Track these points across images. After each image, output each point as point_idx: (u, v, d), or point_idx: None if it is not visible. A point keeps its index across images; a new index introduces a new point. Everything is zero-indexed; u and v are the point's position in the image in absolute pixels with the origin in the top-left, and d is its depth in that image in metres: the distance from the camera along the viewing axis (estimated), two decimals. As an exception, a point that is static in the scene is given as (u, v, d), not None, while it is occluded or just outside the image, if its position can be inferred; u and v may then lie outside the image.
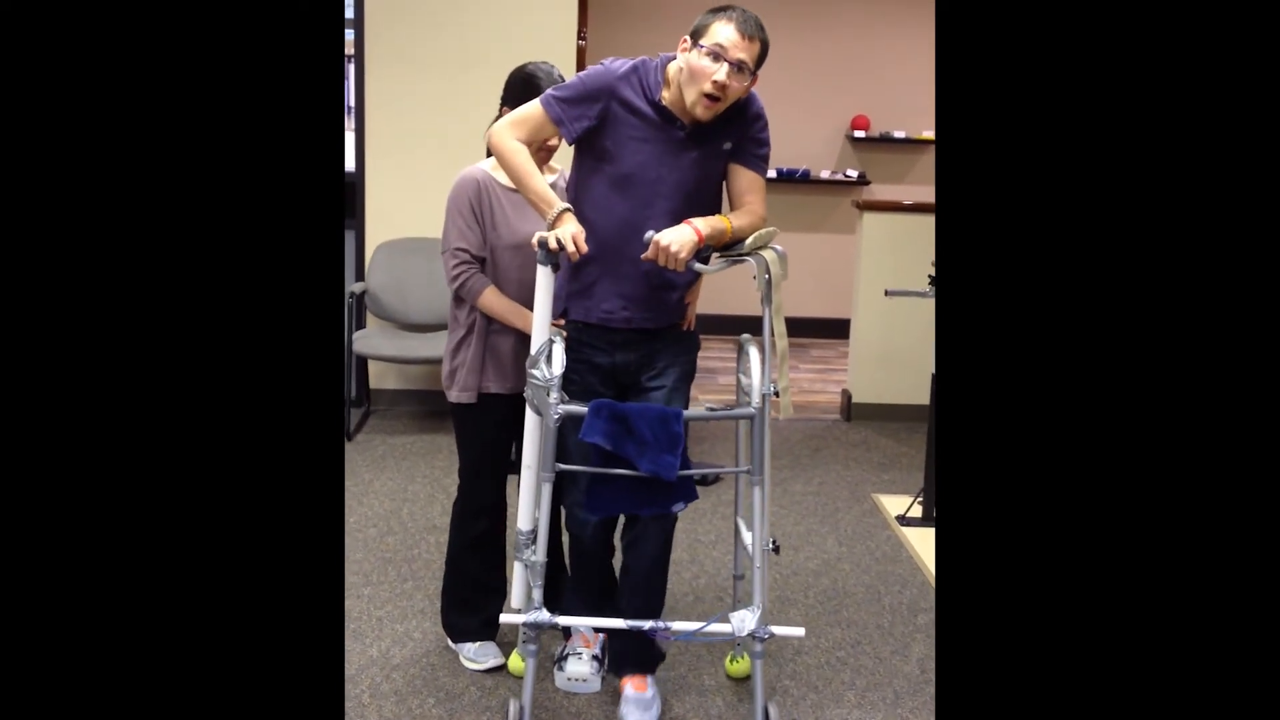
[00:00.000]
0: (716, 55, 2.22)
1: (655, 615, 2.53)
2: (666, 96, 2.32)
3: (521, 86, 2.54)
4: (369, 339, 4.63)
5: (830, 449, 4.77)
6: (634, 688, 2.53)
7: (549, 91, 2.36)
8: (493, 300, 2.53)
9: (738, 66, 2.23)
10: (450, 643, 2.79)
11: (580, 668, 2.56)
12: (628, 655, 2.57)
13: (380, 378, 5.01)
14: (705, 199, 2.39)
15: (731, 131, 2.37)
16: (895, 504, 4.02)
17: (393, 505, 3.81)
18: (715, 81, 2.22)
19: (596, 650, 2.55)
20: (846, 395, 5.28)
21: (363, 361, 4.91)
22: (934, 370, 3.81)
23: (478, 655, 2.71)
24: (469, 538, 2.70)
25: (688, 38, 2.28)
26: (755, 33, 2.25)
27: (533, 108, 2.36)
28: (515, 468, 2.50)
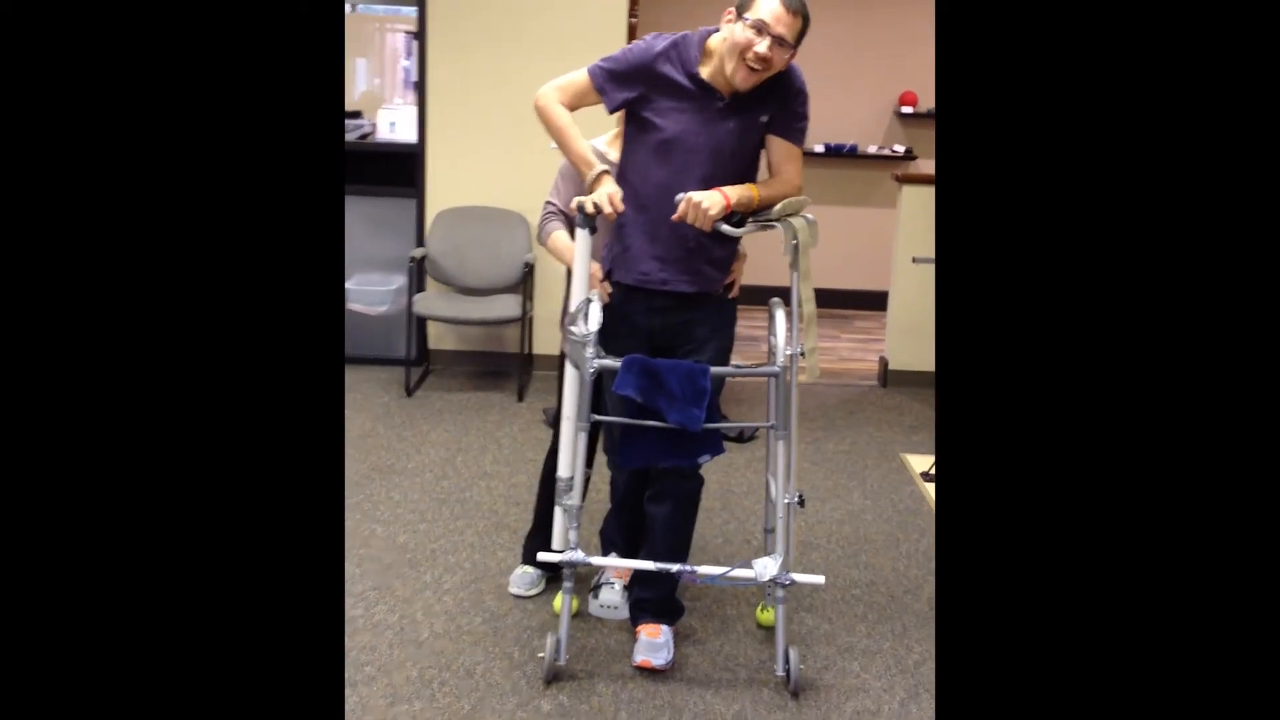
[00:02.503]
0: (760, 29, 2.32)
1: (673, 579, 2.68)
2: (706, 69, 2.43)
3: None
4: (428, 301, 4.91)
5: (864, 412, 4.98)
6: (647, 634, 2.63)
7: (597, 61, 2.50)
8: (557, 240, 2.76)
9: (779, 41, 2.33)
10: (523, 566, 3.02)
11: (612, 596, 2.82)
12: (645, 605, 2.70)
13: (438, 339, 5.30)
14: (740, 167, 2.50)
15: (770, 104, 2.47)
16: (921, 463, 4.22)
17: (448, 454, 4.09)
18: (757, 53, 2.32)
19: (628, 581, 2.79)
20: (883, 362, 5.48)
21: (422, 322, 5.20)
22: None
23: (547, 554, 2.62)
24: (547, 470, 2.94)
25: (732, 10, 2.38)
26: (798, 7, 2.34)
27: (579, 75, 2.51)
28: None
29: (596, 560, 2.54)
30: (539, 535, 2.94)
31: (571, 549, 2.50)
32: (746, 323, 3.32)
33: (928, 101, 7.17)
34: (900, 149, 7.17)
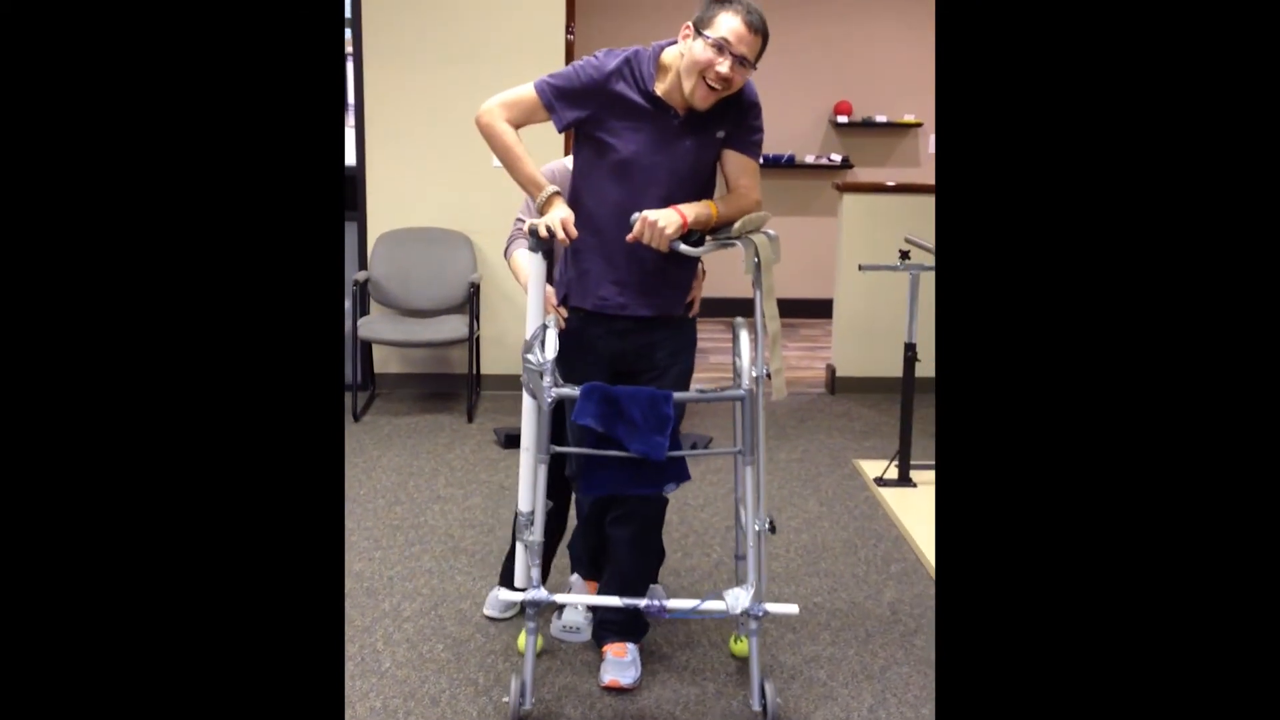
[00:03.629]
0: (721, 47, 2.23)
1: (638, 593, 2.64)
2: (661, 85, 2.34)
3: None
4: (372, 325, 4.85)
5: (815, 419, 5.00)
6: (613, 653, 2.60)
7: (544, 76, 2.38)
8: (516, 261, 2.69)
9: (741, 60, 2.25)
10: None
11: (575, 617, 2.73)
12: (610, 624, 2.66)
13: (384, 362, 5.24)
14: (698, 185, 2.42)
15: (726, 120, 2.39)
16: (874, 468, 4.25)
17: (399, 479, 4.04)
18: (719, 73, 2.24)
19: (589, 601, 2.73)
20: (830, 369, 5.51)
21: (367, 346, 5.13)
22: (906, 340, 4.04)
23: (509, 594, 2.53)
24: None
25: (690, 25, 2.29)
26: (760, 26, 2.26)
27: (525, 90, 2.37)
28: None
29: (560, 598, 2.42)
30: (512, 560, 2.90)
31: (534, 587, 2.39)
32: (702, 335, 3.33)
33: (862, 110, 7.25)
34: (837, 158, 7.24)
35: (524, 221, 2.71)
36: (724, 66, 2.24)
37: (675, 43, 2.36)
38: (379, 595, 3.06)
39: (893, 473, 4.12)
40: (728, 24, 2.24)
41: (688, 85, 2.28)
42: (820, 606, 3.07)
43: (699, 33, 2.27)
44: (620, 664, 2.60)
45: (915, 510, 3.79)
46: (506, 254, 2.77)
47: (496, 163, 2.56)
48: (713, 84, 2.27)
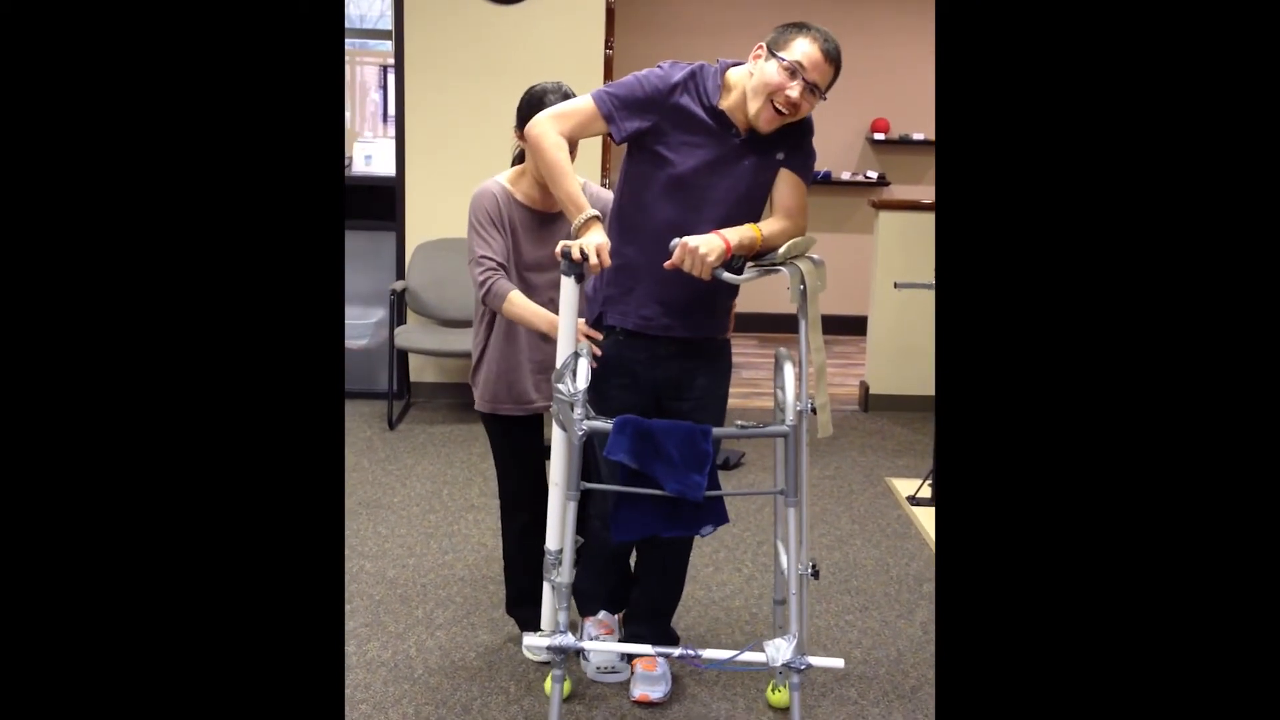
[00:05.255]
0: (794, 72, 2.19)
1: (669, 614, 2.64)
2: (725, 103, 2.28)
3: (529, 109, 2.47)
4: (409, 334, 4.90)
5: (848, 437, 5.00)
6: (643, 667, 2.56)
7: (602, 87, 2.31)
8: (517, 304, 2.46)
9: (812, 88, 2.21)
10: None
11: (608, 658, 2.60)
12: (640, 639, 2.61)
13: (420, 371, 5.28)
14: (754, 207, 2.34)
15: (786, 141, 2.33)
16: (907, 486, 4.24)
17: (434, 487, 4.07)
18: (788, 98, 2.19)
19: (617, 634, 2.64)
20: (864, 387, 5.50)
21: (403, 355, 5.18)
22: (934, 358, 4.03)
23: (533, 648, 2.47)
24: (513, 533, 2.75)
25: (764, 46, 2.24)
26: (835, 56, 2.21)
27: (582, 101, 2.30)
28: (549, 453, 2.45)
29: (589, 645, 2.33)
30: (519, 597, 2.81)
31: (561, 632, 2.25)
32: (736, 351, 3.34)
33: (899, 128, 7.25)
34: (874, 175, 7.24)
35: (491, 259, 2.49)
36: (794, 91, 2.20)
37: (741, 64, 2.32)
38: (412, 602, 3.09)
39: (926, 491, 4.11)
40: (803, 49, 2.20)
41: (753, 106, 2.23)
42: (851, 625, 3.06)
43: (772, 54, 2.22)
44: (650, 678, 2.59)
45: (948, 530, 3.77)
46: (492, 300, 2.48)
47: (524, 199, 2.50)
48: (781, 108, 2.22)
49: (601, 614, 2.73)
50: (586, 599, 2.72)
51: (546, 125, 2.28)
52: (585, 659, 2.63)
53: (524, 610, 2.81)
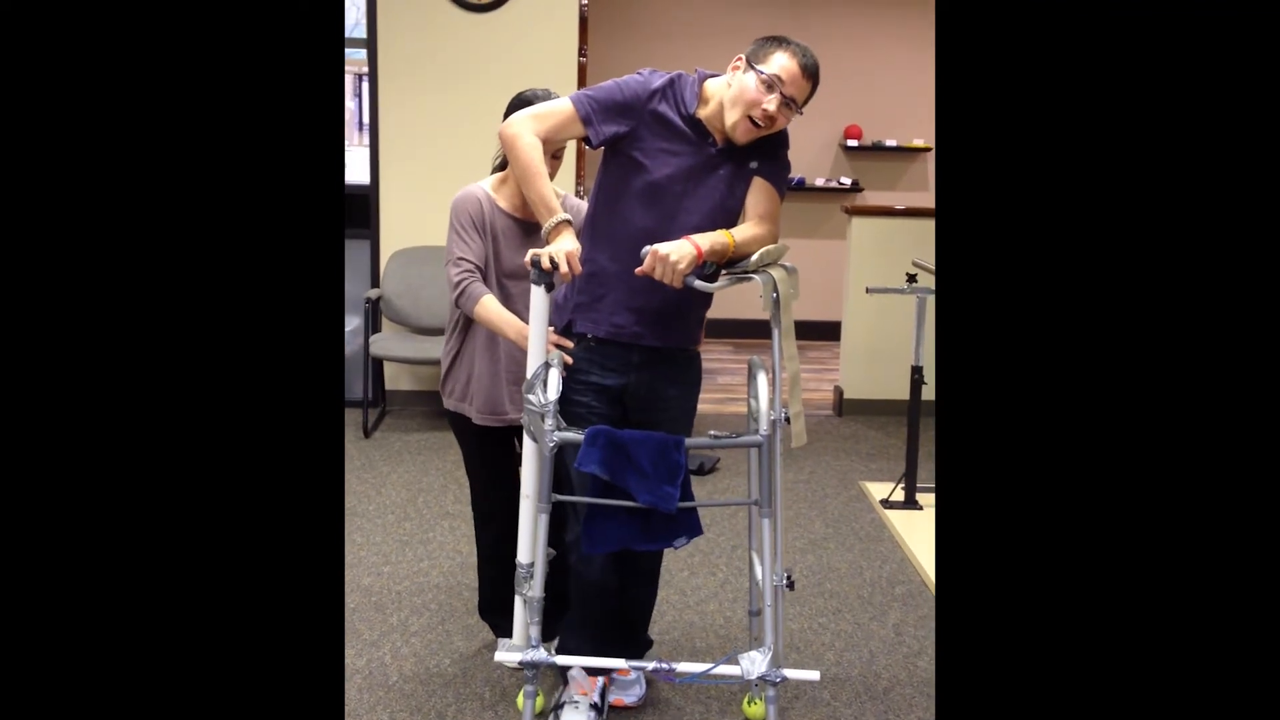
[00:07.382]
0: (771, 85, 2.19)
1: (644, 624, 2.62)
2: (703, 112, 2.28)
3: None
4: (384, 342, 4.89)
5: (822, 441, 5.03)
6: (617, 671, 2.55)
7: (581, 90, 2.29)
8: (489, 308, 2.45)
9: (789, 102, 2.22)
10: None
11: (577, 717, 2.46)
12: (612, 644, 2.53)
13: (395, 379, 5.28)
14: (730, 217, 2.33)
15: (761, 151, 2.34)
16: (880, 490, 4.27)
17: (409, 495, 4.07)
18: (764, 110, 2.20)
19: (595, 698, 2.50)
20: (838, 391, 5.54)
21: (378, 363, 5.18)
22: (913, 363, 4.07)
23: (507, 652, 2.39)
24: (484, 545, 2.74)
25: (743, 58, 2.25)
26: (814, 71, 2.22)
27: (560, 103, 2.29)
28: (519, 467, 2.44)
29: (562, 660, 2.30)
30: (488, 605, 2.80)
31: (533, 647, 2.24)
32: (708, 356, 3.37)
33: (872, 134, 7.30)
34: (847, 181, 7.29)
35: (469, 261, 2.49)
36: (771, 104, 2.20)
37: (719, 75, 2.32)
38: (387, 610, 3.09)
39: (899, 495, 4.14)
40: (781, 63, 2.20)
41: (730, 118, 2.24)
42: (825, 627, 3.09)
43: (751, 66, 2.23)
44: (625, 682, 2.61)
45: (921, 532, 3.81)
46: (465, 304, 2.48)
47: (507, 206, 2.49)
48: (757, 120, 2.22)
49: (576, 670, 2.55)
50: (569, 644, 2.55)
51: (522, 125, 2.27)
52: (555, 719, 2.48)
53: (496, 615, 2.81)
